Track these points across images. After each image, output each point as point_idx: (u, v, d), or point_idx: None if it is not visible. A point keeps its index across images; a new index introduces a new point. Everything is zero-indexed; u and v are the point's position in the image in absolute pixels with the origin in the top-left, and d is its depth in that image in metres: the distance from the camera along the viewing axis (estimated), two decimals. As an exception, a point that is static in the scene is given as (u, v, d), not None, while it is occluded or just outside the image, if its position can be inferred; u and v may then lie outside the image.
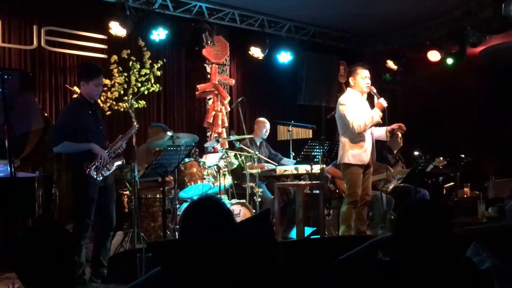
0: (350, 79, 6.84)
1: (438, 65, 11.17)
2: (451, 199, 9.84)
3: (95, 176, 5.64)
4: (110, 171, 5.82)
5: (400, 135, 8.69)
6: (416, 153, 8.89)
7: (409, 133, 8.71)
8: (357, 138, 6.66)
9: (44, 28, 8.04)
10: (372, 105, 6.81)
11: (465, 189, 9.98)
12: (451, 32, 10.36)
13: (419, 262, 2.60)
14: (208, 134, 9.72)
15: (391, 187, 8.38)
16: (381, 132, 6.96)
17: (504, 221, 7.28)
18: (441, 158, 8.43)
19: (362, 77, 6.75)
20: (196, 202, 2.77)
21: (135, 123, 6.13)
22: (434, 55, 10.93)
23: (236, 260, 2.51)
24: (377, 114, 6.60)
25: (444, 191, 10.09)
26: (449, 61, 10.83)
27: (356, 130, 6.56)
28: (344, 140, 6.74)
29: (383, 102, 6.62)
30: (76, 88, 8.10)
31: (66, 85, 8.16)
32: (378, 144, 7.31)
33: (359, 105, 6.73)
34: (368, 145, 6.73)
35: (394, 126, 6.92)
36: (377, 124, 6.78)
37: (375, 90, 6.77)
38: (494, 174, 9.61)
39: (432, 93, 12.41)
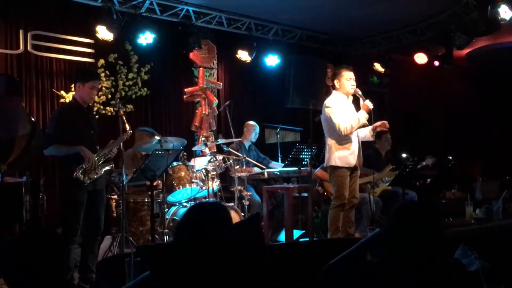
0: (335, 82, 6.84)
1: (424, 67, 11.22)
2: (438, 200, 9.87)
3: (82, 179, 5.61)
4: (98, 175, 5.80)
5: (389, 136, 8.73)
6: (403, 155, 8.92)
7: (396, 135, 8.76)
8: (343, 140, 6.66)
9: (30, 32, 7.99)
10: (358, 108, 6.82)
11: (452, 191, 10.02)
12: (438, 35, 10.40)
13: (409, 264, 2.61)
14: (196, 137, 9.70)
15: (379, 191, 8.41)
16: (365, 133, 6.94)
17: (492, 222, 7.31)
18: (430, 156, 8.47)
19: (347, 78, 6.75)
20: (202, 206, 2.76)
21: (128, 129, 6.12)
22: (421, 58, 10.99)
23: (226, 264, 2.51)
24: (363, 116, 6.61)
25: (432, 193, 10.12)
26: (436, 63, 10.88)
27: (342, 132, 6.56)
28: (330, 143, 6.74)
29: (369, 104, 6.63)
30: (63, 93, 8.08)
31: (53, 90, 8.13)
32: (366, 148, 7.33)
33: (344, 108, 6.74)
34: (354, 147, 6.73)
35: (377, 124, 6.91)
36: (362, 126, 6.79)
37: (360, 92, 6.77)
38: (481, 175, 9.64)
39: (419, 95, 12.47)
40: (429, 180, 9.48)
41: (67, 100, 8.02)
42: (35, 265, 2.41)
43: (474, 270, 2.76)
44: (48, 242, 2.49)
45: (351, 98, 6.89)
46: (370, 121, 6.74)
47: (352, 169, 6.75)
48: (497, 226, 7.03)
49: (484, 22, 9.04)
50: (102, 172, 5.84)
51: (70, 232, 5.69)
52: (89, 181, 5.68)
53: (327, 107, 6.71)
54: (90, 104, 6.32)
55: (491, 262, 2.85)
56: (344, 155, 6.66)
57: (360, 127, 6.70)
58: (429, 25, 10.49)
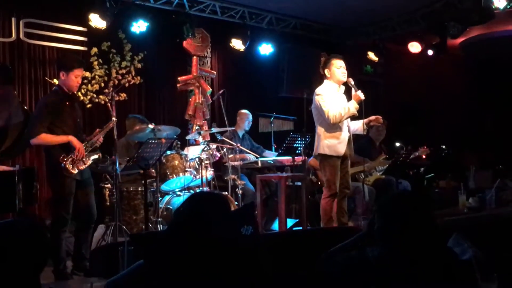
0: (326, 71, 6.80)
1: (418, 57, 11.22)
2: (432, 190, 9.91)
3: (71, 170, 5.58)
4: (86, 165, 5.77)
5: (380, 119, 8.75)
6: (397, 144, 8.94)
7: (390, 125, 8.76)
8: (332, 129, 6.61)
9: (23, 20, 7.95)
10: (349, 98, 6.80)
11: (446, 180, 10.06)
12: (432, 24, 10.38)
13: (402, 253, 2.62)
14: (190, 126, 9.69)
15: (372, 179, 8.43)
16: (358, 126, 6.90)
17: (484, 211, 7.34)
18: (425, 147, 8.49)
19: (337, 67, 6.72)
20: (204, 195, 2.76)
21: (113, 117, 6.09)
22: (415, 47, 10.98)
23: (220, 253, 2.50)
24: (353, 106, 6.56)
25: (425, 182, 10.17)
26: (430, 52, 10.87)
27: (331, 120, 6.52)
28: (319, 131, 6.70)
29: (360, 95, 6.58)
30: (56, 81, 8.02)
31: (46, 78, 8.05)
32: (360, 137, 7.31)
33: (335, 97, 6.71)
34: (344, 136, 6.69)
35: (371, 118, 6.90)
36: (354, 118, 6.76)
37: (353, 82, 6.75)
38: (475, 165, 9.68)
39: (413, 85, 12.47)
40: (422, 169, 9.51)
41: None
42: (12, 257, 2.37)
43: (466, 259, 2.77)
44: (26, 234, 2.45)
45: (342, 88, 6.85)
46: (361, 112, 6.70)
47: (342, 159, 6.73)
48: (490, 215, 7.06)
49: (478, 11, 9.04)
50: (90, 162, 5.82)
51: (60, 223, 5.69)
52: (77, 171, 5.65)
53: (317, 94, 6.67)
54: (76, 92, 6.26)
55: (483, 251, 2.86)
56: (332, 144, 6.62)
57: (349, 117, 6.66)
58: (424, 14, 10.47)
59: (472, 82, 13.26)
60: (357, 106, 6.58)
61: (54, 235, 5.61)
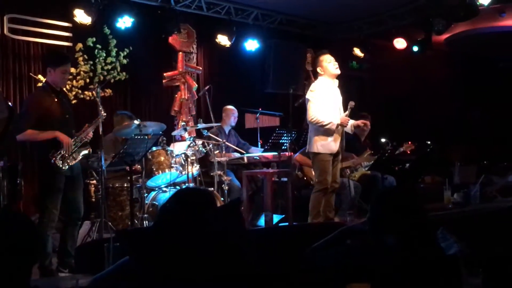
0: (319, 69, 6.89)
1: (404, 52, 11.25)
2: (417, 185, 9.93)
3: (60, 166, 5.56)
4: (76, 160, 5.75)
5: (368, 124, 8.80)
6: (383, 140, 8.96)
7: (376, 120, 8.79)
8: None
9: (7, 15, 7.88)
10: (342, 92, 6.86)
11: (431, 176, 10.09)
12: (417, 20, 10.41)
13: (394, 249, 2.63)
14: (176, 122, 9.67)
15: (358, 175, 8.46)
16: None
17: (469, 206, 7.38)
18: (409, 143, 8.52)
19: (327, 61, 6.83)
20: (189, 191, 2.75)
21: (102, 112, 6.06)
22: (400, 43, 11.02)
23: (206, 249, 2.50)
24: (336, 123, 6.67)
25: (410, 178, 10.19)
26: (415, 48, 10.91)
27: (311, 120, 6.65)
28: (312, 128, 6.76)
29: (345, 122, 6.74)
30: (40, 77, 7.99)
31: (31, 74, 8.05)
32: (345, 133, 7.36)
33: (329, 92, 6.79)
34: (337, 133, 6.75)
35: (360, 122, 7.01)
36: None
37: (352, 106, 6.83)
38: (460, 160, 9.72)
39: (398, 80, 12.51)
40: (407, 165, 9.54)
41: (45, 85, 7.96)
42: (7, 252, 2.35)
43: (452, 254, 2.79)
44: (23, 228, 2.43)
45: (336, 81, 6.93)
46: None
47: (334, 154, 6.77)
48: (475, 211, 7.11)
49: (463, 7, 9.08)
50: (80, 157, 5.80)
51: (48, 219, 5.65)
52: (67, 167, 5.63)
53: (310, 90, 6.81)
54: (64, 87, 6.23)
55: (469, 246, 2.87)
56: (326, 142, 6.70)
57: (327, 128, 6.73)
58: (409, 10, 10.49)
59: (458, 77, 13.33)
60: (338, 124, 6.71)
61: (41, 231, 5.58)
